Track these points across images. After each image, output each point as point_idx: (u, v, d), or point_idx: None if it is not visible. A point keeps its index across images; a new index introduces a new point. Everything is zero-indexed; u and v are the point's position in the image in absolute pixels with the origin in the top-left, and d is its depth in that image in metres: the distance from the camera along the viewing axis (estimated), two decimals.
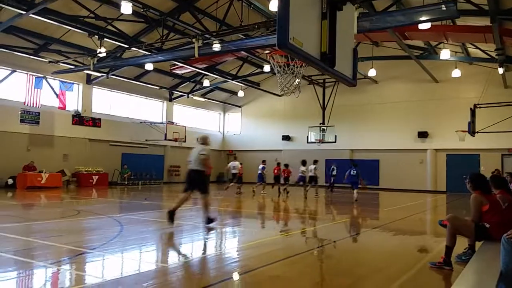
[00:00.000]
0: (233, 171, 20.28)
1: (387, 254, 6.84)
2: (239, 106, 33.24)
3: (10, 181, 19.58)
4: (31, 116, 20.73)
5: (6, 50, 18.63)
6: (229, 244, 7.75)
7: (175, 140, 26.66)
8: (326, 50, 3.16)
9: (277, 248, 6.99)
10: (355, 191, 17.04)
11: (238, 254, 6.53)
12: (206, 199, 8.82)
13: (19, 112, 20.20)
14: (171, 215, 8.62)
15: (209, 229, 8.46)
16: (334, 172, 23.14)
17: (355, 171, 17.15)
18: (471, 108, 19.75)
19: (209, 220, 8.70)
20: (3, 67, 19.96)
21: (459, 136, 22.08)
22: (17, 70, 20.32)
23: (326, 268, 5.90)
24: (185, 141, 27.58)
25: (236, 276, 5.12)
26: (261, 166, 20.89)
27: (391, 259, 6.41)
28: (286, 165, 20.79)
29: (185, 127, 27.88)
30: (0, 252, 5.74)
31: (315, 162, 19.77)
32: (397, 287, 4.68)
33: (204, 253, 6.63)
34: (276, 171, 20.73)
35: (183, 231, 8.65)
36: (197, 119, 31.94)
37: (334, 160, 25.86)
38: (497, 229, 5.18)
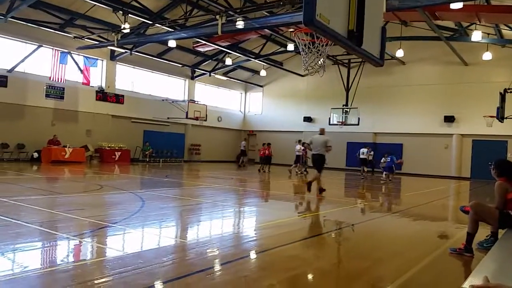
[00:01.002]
0: (362, 156, 21.05)
1: (406, 239, 6.76)
2: (261, 86, 33.03)
3: (36, 155, 20.13)
4: (56, 91, 21.11)
5: (33, 25, 18.89)
6: (247, 223, 7.80)
7: (196, 118, 26.80)
8: (353, 28, 3.04)
9: (295, 229, 6.98)
10: (384, 173, 19.23)
11: (256, 233, 6.57)
12: (318, 176, 11.71)
13: (45, 87, 20.59)
14: (320, 190, 11.58)
15: (321, 197, 11.13)
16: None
17: (389, 158, 18.99)
18: (501, 93, 19.08)
19: (321, 190, 11.58)
20: (30, 42, 20.28)
21: (486, 122, 21.44)
22: (43, 45, 20.61)
23: (344, 250, 5.87)
24: (206, 120, 27.72)
25: (253, 255, 5.15)
26: (298, 147, 21.07)
27: (410, 244, 6.33)
28: None
29: (206, 106, 27.95)
30: (26, 223, 5.92)
31: (366, 146, 21.53)
32: (415, 272, 4.61)
33: (222, 231, 6.70)
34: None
35: (202, 209, 8.75)
36: (218, 98, 31.94)
37: (358, 143, 25.60)
38: None
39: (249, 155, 33.42)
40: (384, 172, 19.28)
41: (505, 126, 20.73)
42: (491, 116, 20.38)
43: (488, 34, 20.30)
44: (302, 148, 20.70)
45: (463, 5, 13.68)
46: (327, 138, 11.81)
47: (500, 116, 18.98)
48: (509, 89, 19.20)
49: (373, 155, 21.99)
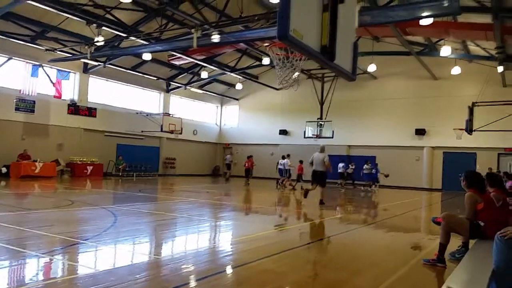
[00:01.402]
0: (280, 167, 20.89)
1: (381, 250, 6.83)
2: (237, 99, 33.10)
3: (4, 170, 19.44)
4: (26, 104, 20.52)
5: (3, 37, 18.42)
6: (223, 237, 7.73)
7: (171, 132, 26.54)
8: (326, 43, 3.09)
9: (272, 242, 6.96)
10: (365, 183, 20.85)
11: (231, 248, 6.51)
12: (323, 189, 13.13)
13: (15, 100, 20.00)
14: (306, 193, 13.05)
15: (322, 207, 12.39)
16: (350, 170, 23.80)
17: (374, 170, 20.61)
18: (469, 106, 19.72)
19: (321, 202, 12.79)
20: (0, 54, 19.74)
21: (456, 134, 22.09)
22: (14, 58, 20.11)
23: (320, 262, 5.88)
24: (181, 133, 27.49)
25: (229, 270, 5.09)
26: (284, 161, 20.95)
27: (385, 255, 6.40)
28: (301, 161, 20.92)
29: (182, 119, 27.76)
30: None
31: (342, 161, 23.30)
32: (390, 283, 4.66)
33: (197, 246, 6.60)
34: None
35: (177, 224, 8.62)
36: (194, 111, 31.80)
37: (333, 156, 25.96)
38: (491, 227, 5.18)
39: (224, 167, 33.37)
40: (365, 181, 20.71)
41: (474, 139, 21.39)
42: (461, 129, 21.00)
43: (456, 49, 21.05)
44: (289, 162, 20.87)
45: (433, 21, 14.16)
46: (324, 155, 12.98)
47: (469, 129, 19.57)
48: (477, 102, 19.87)
49: (353, 169, 22.95)
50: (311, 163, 13.14)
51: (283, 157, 21.25)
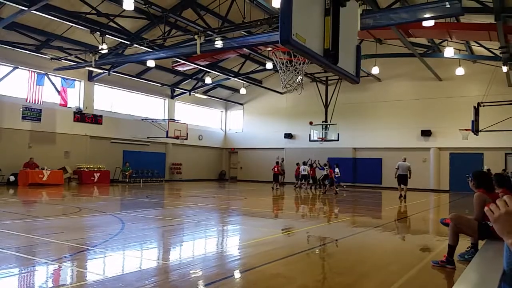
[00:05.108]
0: (303, 173, 22.88)
1: (389, 252, 6.80)
2: (241, 104, 33.16)
3: (12, 178, 19.59)
4: (32, 113, 20.70)
5: (8, 47, 18.64)
6: (230, 242, 7.73)
7: (177, 137, 26.63)
8: (329, 46, 3.12)
9: (279, 246, 6.96)
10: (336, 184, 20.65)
11: (239, 252, 6.51)
12: (405, 188, 17.35)
13: (21, 109, 20.18)
14: (400, 197, 16.97)
15: (403, 201, 16.41)
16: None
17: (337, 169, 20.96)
18: (474, 107, 19.63)
19: (404, 197, 16.95)
20: (5, 64, 19.95)
21: (462, 135, 21.96)
22: (19, 67, 20.31)
23: (328, 266, 5.87)
24: (186, 139, 27.58)
25: (237, 274, 5.10)
26: (305, 167, 23.08)
27: (393, 257, 6.37)
28: (277, 162, 23.86)
29: (187, 124, 27.85)
30: (2, 249, 5.73)
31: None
32: (399, 286, 4.64)
33: (205, 251, 6.62)
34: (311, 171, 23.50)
35: (184, 229, 8.64)
36: (199, 116, 31.90)
37: (336, 159, 25.86)
38: None
39: (230, 172, 33.44)
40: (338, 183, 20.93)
41: (480, 139, 21.26)
42: (467, 130, 20.89)
43: (460, 50, 20.98)
44: (309, 168, 22.93)
45: (435, 22, 14.14)
46: (409, 165, 17.45)
47: (475, 129, 19.47)
48: (482, 103, 19.78)
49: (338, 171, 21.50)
50: (397, 169, 17.36)
51: (304, 163, 23.26)
